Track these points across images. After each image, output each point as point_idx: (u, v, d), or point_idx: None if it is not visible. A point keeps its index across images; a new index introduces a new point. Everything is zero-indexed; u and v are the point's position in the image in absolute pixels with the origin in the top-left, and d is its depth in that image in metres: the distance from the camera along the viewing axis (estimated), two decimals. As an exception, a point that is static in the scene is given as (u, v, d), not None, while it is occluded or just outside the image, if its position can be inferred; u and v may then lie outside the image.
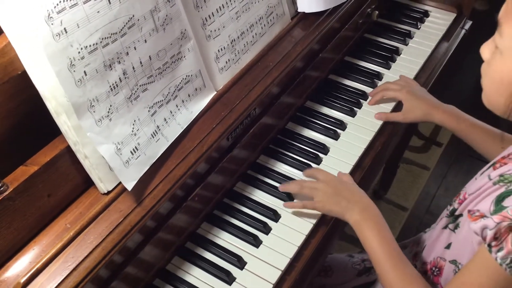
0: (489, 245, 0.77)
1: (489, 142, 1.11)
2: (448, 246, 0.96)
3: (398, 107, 1.27)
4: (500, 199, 0.78)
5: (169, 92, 0.94)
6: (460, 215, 0.93)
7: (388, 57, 1.41)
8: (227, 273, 0.96)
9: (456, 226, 0.94)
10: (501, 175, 0.82)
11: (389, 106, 1.27)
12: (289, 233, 1.02)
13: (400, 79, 1.31)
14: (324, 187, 1.02)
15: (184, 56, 0.96)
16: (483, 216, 0.80)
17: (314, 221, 1.04)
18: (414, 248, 1.15)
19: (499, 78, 0.79)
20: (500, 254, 0.75)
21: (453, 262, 0.94)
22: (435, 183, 2.32)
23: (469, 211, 0.85)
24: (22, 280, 0.74)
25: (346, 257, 1.33)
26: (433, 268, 1.00)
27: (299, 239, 1.01)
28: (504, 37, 0.78)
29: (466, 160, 2.39)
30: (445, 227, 0.98)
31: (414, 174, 2.35)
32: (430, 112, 1.19)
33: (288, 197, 1.08)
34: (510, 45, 0.77)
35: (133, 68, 0.86)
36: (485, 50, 0.82)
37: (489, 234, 0.77)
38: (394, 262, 0.91)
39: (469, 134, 1.15)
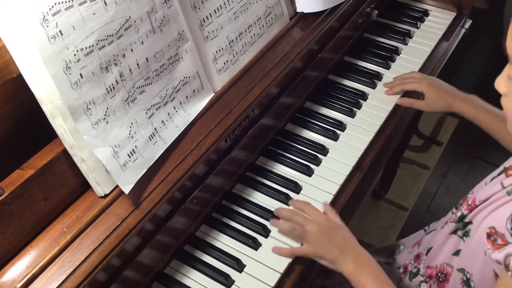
0: None
1: (508, 132, 1.09)
2: (456, 253, 0.95)
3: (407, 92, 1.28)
4: None
5: (166, 94, 0.93)
6: (470, 222, 0.91)
7: (388, 57, 1.40)
8: (226, 276, 0.95)
9: (466, 234, 0.92)
10: None
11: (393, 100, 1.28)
12: (289, 236, 1.01)
13: (411, 72, 1.30)
14: (315, 230, 0.97)
15: (182, 58, 0.95)
16: (506, 243, 0.77)
17: (313, 223, 1.03)
18: (415, 250, 1.14)
19: None
20: None
21: (461, 270, 0.93)
22: (435, 183, 2.31)
23: (488, 235, 0.82)
24: (19, 285, 0.73)
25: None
26: (439, 274, 0.99)
27: (299, 241, 1.00)
28: None
29: (466, 159, 2.38)
30: (453, 232, 0.96)
31: (414, 173, 2.35)
32: (451, 102, 1.19)
33: (286, 199, 1.07)
34: None
35: (130, 70, 0.85)
36: (501, 85, 0.80)
37: None
38: None
39: (488, 124, 1.14)
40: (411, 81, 1.26)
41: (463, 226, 0.94)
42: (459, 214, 0.96)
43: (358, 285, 0.92)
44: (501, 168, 0.91)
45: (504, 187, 0.84)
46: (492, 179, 0.91)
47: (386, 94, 1.29)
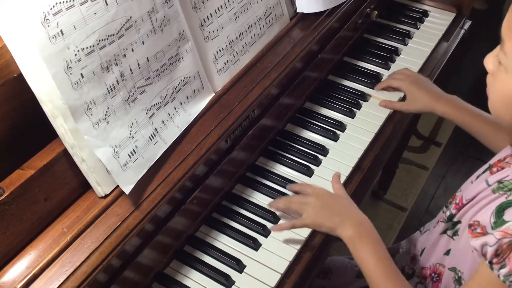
0: (490, 262, 0.76)
1: (491, 133, 1.09)
2: (447, 253, 0.95)
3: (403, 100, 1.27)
4: (500, 210, 0.77)
5: (167, 94, 0.93)
6: (459, 222, 0.92)
7: (388, 57, 1.40)
8: (226, 276, 0.95)
9: (455, 233, 0.93)
10: (500, 182, 0.81)
11: (399, 93, 1.28)
12: (289, 236, 1.01)
13: (404, 69, 1.30)
14: (313, 201, 0.98)
15: (182, 58, 0.95)
16: (484, 233, 0.79)
17: (313, 223, 1.03)
18: (411, 251, 1.14)
19: (505, 94, 0.79)
20: (503, 271, 0.74)
21: (453, 269, 0.93)
22: (434, 183, 2.31)
23: (470, 225, 0.84)
24: (19, 286, 0.73)
25: (345, 259, 1.32)
26: (433, 274, 1.00)
27: (299, 242, 1.00)
28: (508, 55, 0.76)
29: (465, 160, 2.38)
30: (443, 232, 0.97)
31: (413, 174, 2.35)
32: (431, 104, 1.18)
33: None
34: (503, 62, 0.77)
35: (131, 70, 0.85)
36: (489, 63, 0.81)
37: (490, 250, 0.76)
38: (393, 282, 0.87)
39: (471, 125, 1.13)
40: (397, 79, 1.26)
41: (452, 226, 0.94)
42: (448, 213, 0.96)
43: (355, 252, 0.92)
44: (486, 166, 0.91)
45: (489, 185, 0.84)
46: (477, 177, 0.92)
47: (376, 90, 1.30)
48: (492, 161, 0.89)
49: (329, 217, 0.95)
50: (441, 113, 1.17)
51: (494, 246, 0.75)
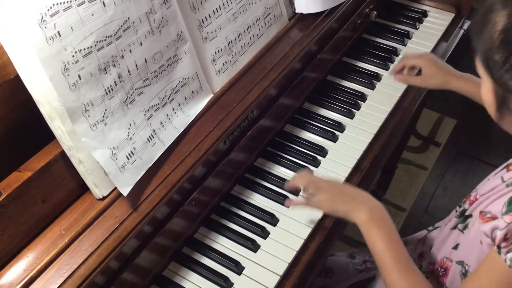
0: (498, 247, 0.76)
1: None
2: (455, 247, 0.95)
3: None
4: None
5: (165, 95, 0.93)
6: (470, 215, 0.92)
7: (387, 57, 1.40)
8: (225, 278, 0.95)
9: (465, 227, 0.93)
10: None
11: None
12: (287, 237, 1.01)
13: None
14: (330, 186, 0.99)
15: (181, 59, 0.95)
16: (494, 218, 0.79)
17: (312, 225, 1.03)
18: (419, 247, 1.14)
19: (484, 100, 0.82)
20: (510, 255, 0.74)
21: (460, 263, 0.94)
22: (433, 183, 2.31)
23: (480, 212, 0.84)
24: (16, 288, 0.73)
25: (347, 258, 1.32)
26: (439, 269, 1.00)
27: (298, 244, 1.00)
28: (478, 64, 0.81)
29: (464, 160, 2.38)
30: (454, 227, 0.97)
31: (412, 174, 2.34)
32: (448, 79, 1.19)
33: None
34: (480, 72, 0.81)
35: (129, 71, 0.85)
36: None
37: (499, 234, 0.76)
38: (402, 266, 0.88)
39: None
40: (412, 57, 1.28)
41: (463, 220, 0.94)
42: (461, 210, 0.96)
43: (368, 237, 0.92)
44: (503, 165, 0.91)
45: (504, 181, 0.85)
46: (494, 175, 0.92)
47: (392, 77, 1.31)
48: (510, 161, 0.90)
49: (345, 201, 0.96)
50: (456, 87, 1.18)
51: (503, 230, 0.76)
